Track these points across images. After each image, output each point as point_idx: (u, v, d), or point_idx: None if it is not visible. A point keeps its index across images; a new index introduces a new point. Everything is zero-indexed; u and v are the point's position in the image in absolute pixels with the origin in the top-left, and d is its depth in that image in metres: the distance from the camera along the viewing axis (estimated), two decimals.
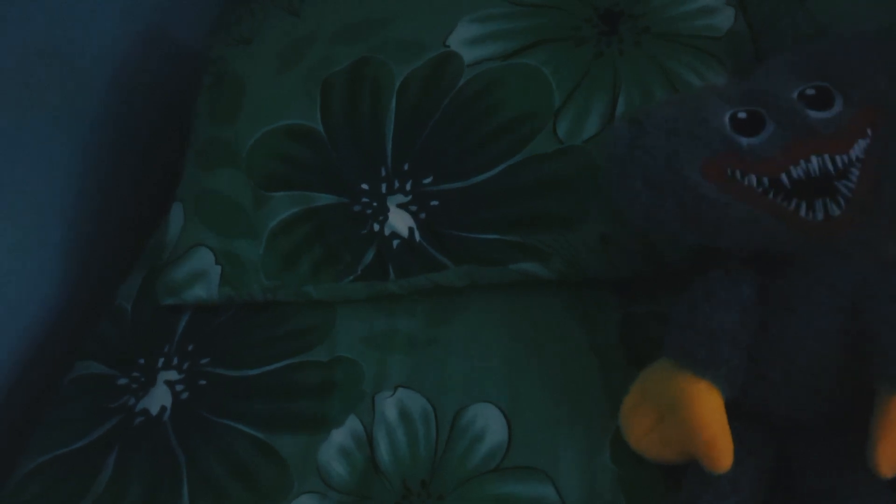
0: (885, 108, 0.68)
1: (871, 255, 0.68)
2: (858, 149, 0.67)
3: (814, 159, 0.67)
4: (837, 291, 0.67)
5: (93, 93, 1.17)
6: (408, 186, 0.89)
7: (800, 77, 0.72)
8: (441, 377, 0.85)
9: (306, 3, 1.02)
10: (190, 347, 0.94)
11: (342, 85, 0.93)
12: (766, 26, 0.89)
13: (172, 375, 0.92)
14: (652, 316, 0.84)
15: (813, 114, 0.69)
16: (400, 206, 0.90)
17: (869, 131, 0.68)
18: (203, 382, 0.91)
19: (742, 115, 0.71)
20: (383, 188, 0.90)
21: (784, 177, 0.68)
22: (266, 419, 0.86)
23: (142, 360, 0.94)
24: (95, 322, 1.03)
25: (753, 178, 0.68)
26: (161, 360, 0.94)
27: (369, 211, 0.91)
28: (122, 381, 0.93)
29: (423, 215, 0.89)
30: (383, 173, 0.90)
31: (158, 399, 0.90)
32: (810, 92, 0.71)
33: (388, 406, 0.84)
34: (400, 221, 0.89)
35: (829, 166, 0.67)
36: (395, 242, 0.90)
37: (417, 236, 0.89)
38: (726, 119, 0.71)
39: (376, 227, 0.90)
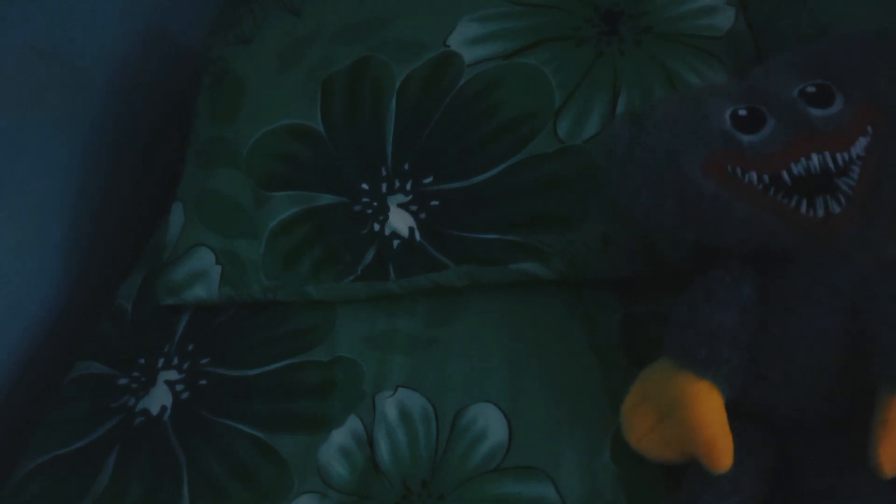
0: (886, 107, 0.68)
1: (871, 254, 0.68)
2: (859, 146, 0.67)
3: (814, 156, 0.67)
4: (838, 291, 0.67)
5: (93, 93, 1.17)
6: (408, 186, 0.89)
7: (800, 75, 0.72)
8: (441, 377, 0.85)
9: (307, 3, 1.02)
10: (190, 347, 0.94)
11: (342, 85, 0.93)
12: (767, 26, 0.89)
13: (172, 375, 0.92)
14: (652, 316, 0.84)
15: (813, 111, 0.69)
16: (400, 205, 0.90)
17: (870, 129, 0.68)
18: (203, 382, 0.90)
19: (742, 112, 0.71)
20: (384, 188, 0.90)
21: (785, 174, 0.67)
22: (266, 419, 0.86)
23: (142, 360, 0.94)
24: (95, 322, 1.03)
25: (754, 176, 0.68)
26: (161, 360, 0.93)
27: (370, 211, 0.91)
28: (123, 381, 0.93)
29: (423, 215, 0.89)
30: (384, 173, 0.90)
31: (159, 399, 0.90)
32: (811, 89, 0.71)
33: (389, 406, 0.84)
34: (400, 221, 0.89)
35: (830, 163, 0.67)
36: (396, 242, 0.90)
37: (418, 236, 0.89)
38: (727, 116, 0.71)
39: (376, 226, 0.90)
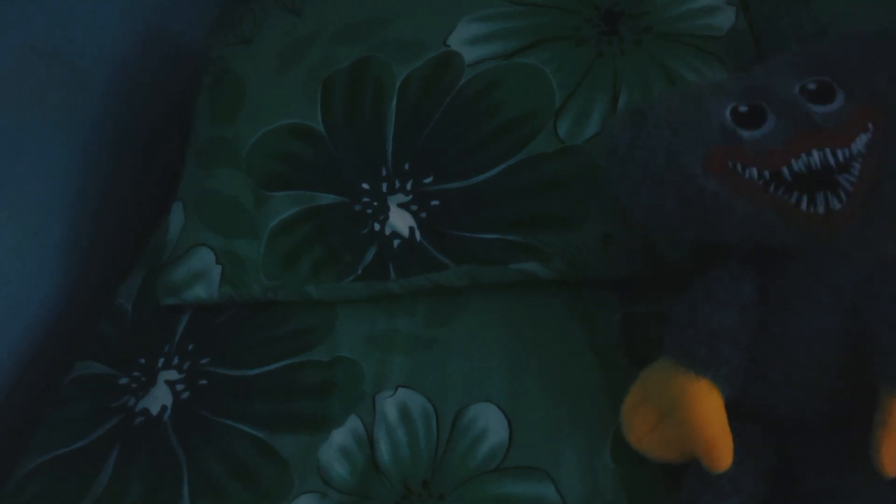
0: (887, 106, 0.68)
1: (871, 254, 0.68)
2: (860, 143, 0.67)
3: (815, 153, 0.67)
4: (838, 291, 0.67)
5: (93, 93, 1.17)
6: (408, 186, 0.89)
7: (801, 72, 0.72)
8: (441, 377, 0.85)
9: (307, 3, 1.02)
10: (190, 347, 0.94)
11: (343, 84, 0.93)
12: (767, 26, 0.89)
13: (173, 375, 0.92)
14: (652, 316, 0.84)
15: (814, 108, 0.69)
16: (400, 205, 0.90)
17: (870, 126, 0.68)
18: (203, 382, 0.90)
19: (743, 108, 0.70)
20: (384, 188, 0.90)
21: (785, 170, 0.67)
22: (266, 419, 0.86)
23: (142, 360, 0.94)
24: (95, 322, 1.03)
25: (755, 172, 0.68)
26: (161, 360, 0.93)
27: (370, 210, 0.91)
28: (123, 381, 0.93)
29: (423, 215, 0.89)
30: (384, 173, 0.90)
31: (159, 399, 0.90)
32: (811, 86, 0.70)
33: (389, 406, 0.84)
34: (400, 221, 0.89)
35: (831, 160, 0.67)
36: (396, 242, 0.90)
37: (418, 236, 0.89)
38: (727, 113, 0.70)
39: (377, 226, 0.90)
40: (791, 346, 0.68)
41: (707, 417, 0.66)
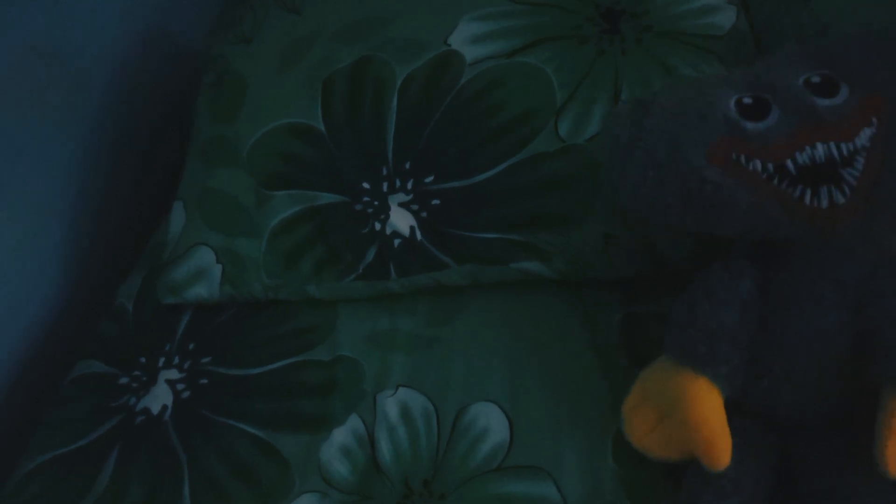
0: (890, 100, 0.68)
1: (874, 248, 0.68)
2: (864, 137, 0.67)
3: (819, 146, 0.67)
4: (841, 286, 0.67)
5: (93, 93, 1.17)
6: (409, 185, 0.89)
7: (805, 66, 0.72)
8: (442, 376, 0.85)
9: (307, 2, 1.03)
10: (191, 346, 0.94)
11: (343, 83, 0.93)
12: (768, 25, 0.89)
13: (173, 374, 0.92)
14: (652, 316, 0.84)
15: (818, 101, 0.69)
16: (401, 204, 0.90)
17: (874, 120, 0.68)
18: (204, 381, 0.90)
19: (748, 100, 0.70)
20: (384, 187, 0.90)
21: (789, 163, 0.67)
22: (267, 418, 0.86)
23: (143, 359, 0.94)
24: (95, 322, 1.03)
25: (758, 164, 0.68)
26: (162, 360, 0.93)
27: (370, 210, 0.91)
28: (123, 381, 0.93)
29: (424, 214, 0.89)
30: (384, 172, 0.90)
31: (159, 398, 0.90)
32: (815, 79, 0.70)
33: (390, 405, 0.84)
34: (401, 220, 0.89)
35: (835, 153, 0.66)
36: (397, 241, 0.90)
37: (419, 235, 0.89)
38: (732, 104, 0.70)
39: (378, 225, 0.90)
40: (792, 345, 0.68)
41: (706, 416, 0.66)
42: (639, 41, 0.87)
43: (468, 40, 0.91)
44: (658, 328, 0.73)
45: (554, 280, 0.88)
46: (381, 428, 0.82)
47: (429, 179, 0.89)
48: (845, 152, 0.67)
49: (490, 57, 0.89)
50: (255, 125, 0.96)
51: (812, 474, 0.69)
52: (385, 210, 0.90)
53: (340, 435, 0.83)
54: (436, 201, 0.88)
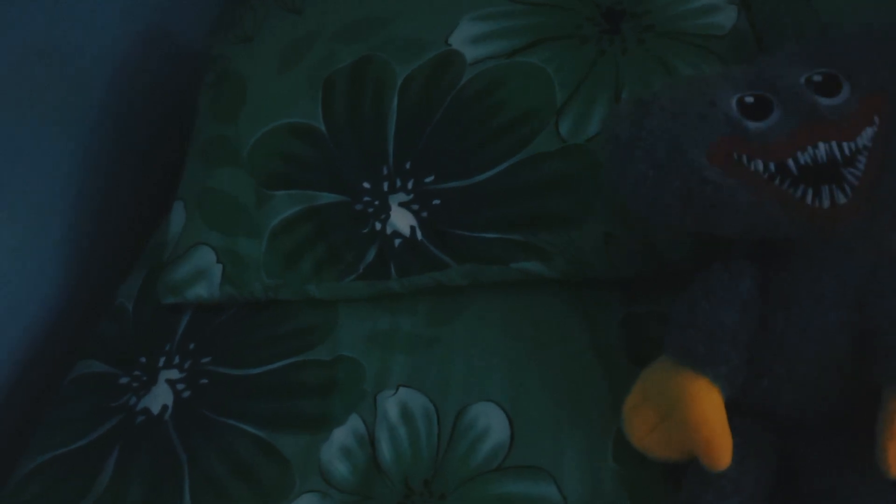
0: (890, 101, 0.68)
1: (874, 248, 0.68)
2: (866, 136, 0.67)
3: (821, 146, 0.67)
4: (842, 285, 0.67)
5: (93, 93, 1.17)
6: (410, 185, 0.89)
7: (807, 65, 0.71)
8: (443, 376, 0.84)
9: (307, 2, 1.03)
10: (191, 346, 0.94)
11: (344, 83, 0.93)
12: (769, 25, 0.89)
13: (174, 374, 0.92)
14: (653, 316, 0.84)
15: (820, 100, 0.69)
16: (402, 204, 0.90)
17: (876, 119, 0.68)
18: (205, 381, 0.90)
19: (749, 99, 0.70)
20: (385, 187, 0.90)
21: (791, 162, 0.67)
22: (268, 418, 0.86)
23: (143, 359, 0.94)
24: (95, 322, 1.03)
25: (760, 164, 0.67)
26: (162, 359, 0.93)
27: (371, 210, 0.91)
28: (124, 380, 0.93)
29: (424, 214, 0.89)
30: (385, 172, 0.90)
31: (160, 398, 0.90)
32: (817, 78, 0.70)
33: (390, 405, 0.84)
34: (402, 220, 0.89)
35: (837, 153, 0.66)
36: (397, 241, 0.90)
37: (419, 235, 0.89)
38: (733, 103, 0.70)
39: (378, 225, 0.90)
40: (792, 345, 0.68)
41: (707, 416, 0.66)
42: (640, 41, 0.87)
43: (469, 40, 0.91)
44: (658, 328, 0.73)
45: (554, 280, 0.88)
46: (382, 428, 0.82)
47: (429, 179, 0.89)
48: (847, 152, 0.66)
49: (490, 57, 0.89)
50: (255, 125, 0.96)
51: (812, 474, 0.69)
52: (385, 210, 0.90)
53: (341, 435, 0.83)
54: (436, 201, 0.88)
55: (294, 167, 0.94)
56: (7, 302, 1.04)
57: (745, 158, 0.68)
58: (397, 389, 0.85)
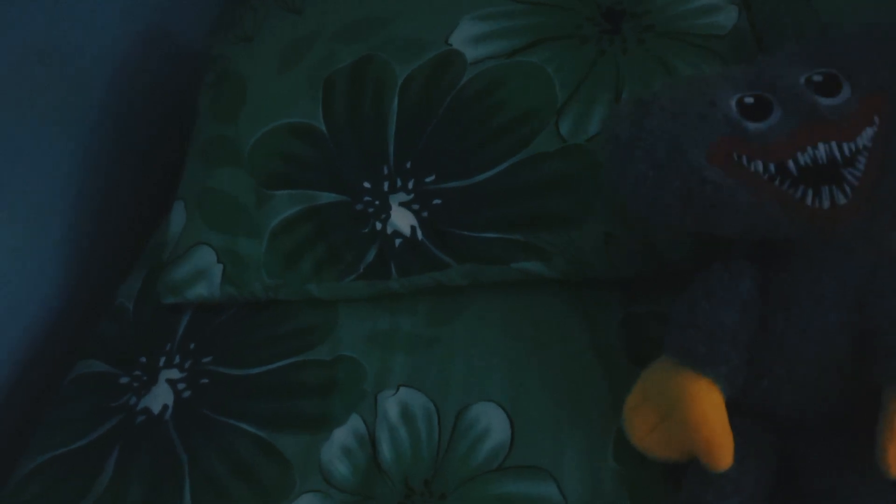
0: (890, 101, 0.68)
1: (874, 248, 0.68)
2: (866, 137, 0.67)
3: (821, 146, 0.67)
4: (842, 285, 0.67)
5: (93, 93, 1.17)
6: (410, 185, 0.89)
7: (807, 65, 0.71)
8: (443, 376, 0.84)
9: (308, 2, 1.03)
10: (192, 346, 0.94)
11: (344, 83, 0.93)
12: (769, 25, 0.89)
13: (174, 374, 0.92)
14: (653, 316, 0.84)
15: (820, 100, 0.69)
16: (402, 204, 0.90)
17: (876, 119, 0.68)
18: (205, 381, 0.90)
19: (749, 99, 0.70)
20: (385, 186, 0.90)
21: (791, 163, 0.67)
22: (268, 418, 0.86)
23: (143, 359, 0.94)
24: (95, 322, 1.03)
25: (760, 164, 0.67)
26: (163, 359, 0.93)
27: (371, 209, 0.91)
28: (124, 380, 0.93)
29: (425, 214, 0.89)
30: (385, 172, 0.90)
31: (160, 398, 0.90)
32: (817, 78, 0.70)
33: (391, 405, 0.84)
34: (402, 220, 0.89)
35: (837, 153, 0.66)
36: (398, 241, 0.90)
37: (420, 235, 0.89)
38: (733, 104, 0.70)
39: (378, 225, 0.90)
40: (792, 345, 0.68)
41: (707, 416, 0.66)
42: (640, 41, 0.87)
43: (469, 40, 0.91)
44: (658, 328, 0.73)
45: (554, 280, 0.88)
46: (382, 428, 0.82)
47: (430, 179, 0.89)
48: (847, 152, 0.66)
49: (491, 56, 0.89)
50: (255, 125, 0.96)
51: (812, 474, 0.69)
52: (386, 210, 0.90)
53: (341, 435, 0.83)
54: (437, 201, 0.88)
55: (294, 167, 0.94)
56: (7, 302, 1.04)
57: (744, 159, 0.68)
58: (398, 389, 0.85)
